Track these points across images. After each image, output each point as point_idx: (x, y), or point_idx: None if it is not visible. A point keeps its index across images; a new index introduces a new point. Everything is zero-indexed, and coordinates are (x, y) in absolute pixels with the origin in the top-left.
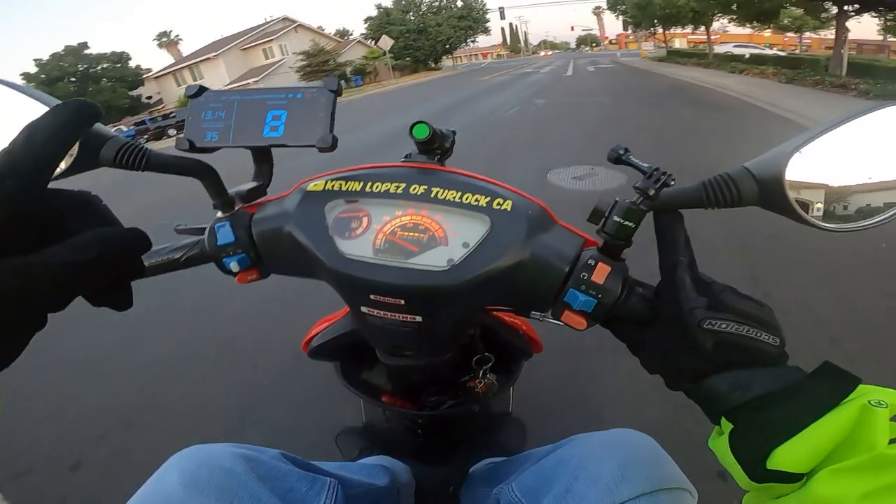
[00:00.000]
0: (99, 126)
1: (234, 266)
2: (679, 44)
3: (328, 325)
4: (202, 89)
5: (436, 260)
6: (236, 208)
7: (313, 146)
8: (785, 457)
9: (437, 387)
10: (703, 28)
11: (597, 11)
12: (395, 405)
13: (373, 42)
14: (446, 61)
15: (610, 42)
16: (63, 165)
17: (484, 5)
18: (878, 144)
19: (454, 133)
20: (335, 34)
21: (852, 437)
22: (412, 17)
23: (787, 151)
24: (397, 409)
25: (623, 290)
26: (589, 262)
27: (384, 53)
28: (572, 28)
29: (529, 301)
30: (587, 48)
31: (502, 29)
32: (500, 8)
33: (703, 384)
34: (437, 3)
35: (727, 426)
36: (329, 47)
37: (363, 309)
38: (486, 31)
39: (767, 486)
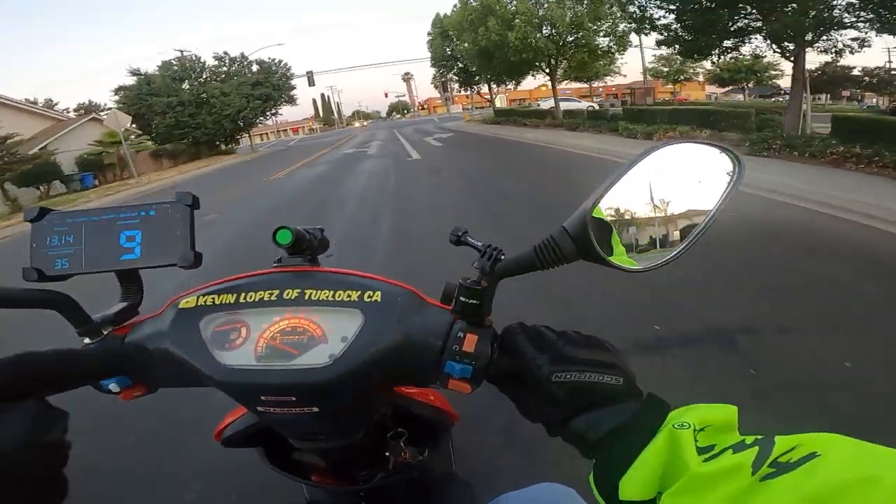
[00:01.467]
0: None
1: (113, 387)
2: (499, 102)
3: (242, 415)
4: (43, 211)
5: (318, 358)
6: (105, 333)
7: (174, 265)
8: (628, 487)
9: (366, 460)
10: (512, 85)
11: (406, 77)
12: (325, 483)
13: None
14: (245, 140)
15: (421, 107)
16: None
17: (288, 69)
18: (663, 182)
19: (322, 230)
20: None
21: (672, 460)
22: (187, 87)
23: (588, 206)
24: (333, 487)
25: (493, 353)
26: (458, 334)
27: (125, 137)
28: (386, 95)
29: (415, 377)
30: (398, 115)
31: (314, 100)
32: (308, 72)
33: (568, 427)
34: (224, 69)
35: (591, 463)
36: (18, 137)
37: (259, 408)
38: (292, 100)
39: None
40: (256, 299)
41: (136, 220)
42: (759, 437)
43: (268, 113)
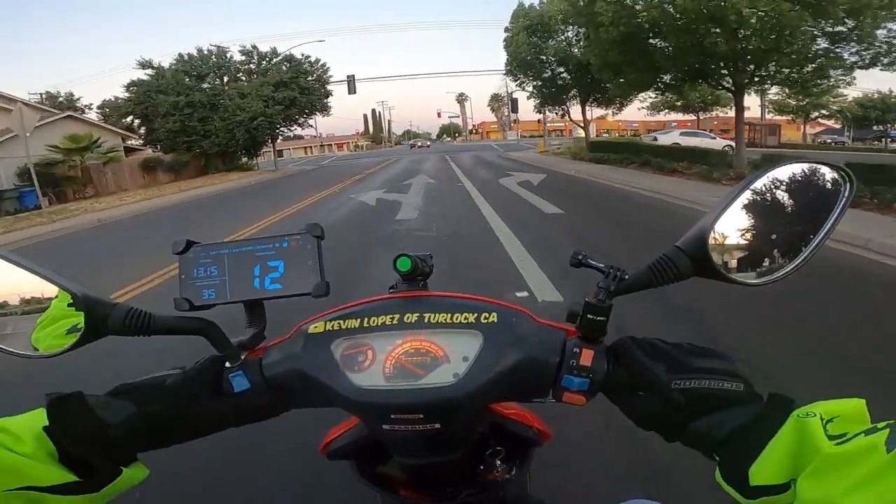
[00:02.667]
0: (100, 297)
1: None
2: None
3: (346, 430)
4: (189, 244)
5: (443, 377)
6: (243, 357)
7: (309, 294)
8: (759, 473)
9: (453, 478)
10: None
11: (461, 98)
12: (412, 498)
13: (135, 122)
14: (274, 153)
15: (474, 131)
16: (70, 342)
17: (325, 71)
18: (773, 204)
19: (431, 257)
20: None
21: (802, 447)
22: (208, 86)
23: (706, 226)
24: (415, 501)
25: (609, 365)
26: (574, 350)
27: (89, 145)
28: (439, 114)
29: (530, 391)
30: (448, 138)
31: (364, 116)
32: (348, 77)
33: (688, 431)
34: (252, 65)
35: (716, 460)
36: None
37: (385, 426)
38: (325, 109)
39: (767, 501)
40: (379, 323)
41: (272, 252)
42: (891, 421)
43: (294, 122)
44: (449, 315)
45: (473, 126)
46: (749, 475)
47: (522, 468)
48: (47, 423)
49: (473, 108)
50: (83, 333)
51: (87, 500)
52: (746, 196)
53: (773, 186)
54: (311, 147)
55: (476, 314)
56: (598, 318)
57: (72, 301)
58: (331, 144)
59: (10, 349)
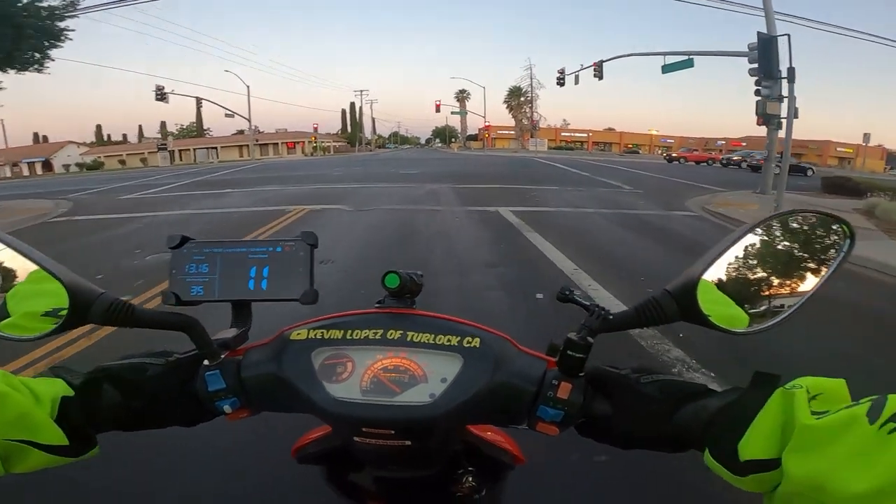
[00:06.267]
0: (87, 284)
1: (226, 408)
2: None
3: (319, 436)
4: (184, 239)
5: (419, 396)
6: (222, 356)
7: (296, 300)
8: (748, 447)
9: (423, 494)
10: None
11: (461, 95)
12: None
13: None
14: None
15: (473, 137)
16: (50, 326)
17: None
18: (768, 253)
19: (421, 275)
20: None
21: (789, 420)
22: None
23: (696, 272)
24: None
25: (585, 399)
26: (553, 381)
27: None
28: (438, 107)
29: (505, 418)
30: (440, 143)
31: (343, 111)
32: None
33: (672, 423)
34: None
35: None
36: None
37: (356, 438)
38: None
39: (757, 478)
40: (362, 337)
41: (265, 255)
42: (873, 397)
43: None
44: (432, 336)
45: (486, 124)
46: (738, 451)
47: (495, 489)
48: (69, 394)
49: (488, 106)
50: (66, 319)
51: (60, 461)
52: (743, 243)
53: (770, 235)
54: (245, 146)
55: (459, 337)
56: (578, 355)
57: (52, 284)
58: (276, 143)
59: None
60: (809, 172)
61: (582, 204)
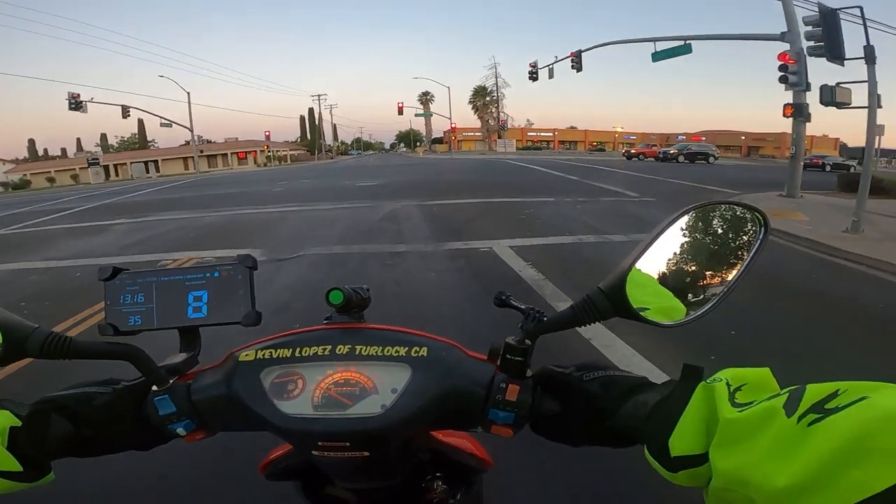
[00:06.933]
0: (18, 319)
1: (180, 431)
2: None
3: (286, 451)
4: (116, 271)
5: (370, 407)
6: (171, 381)
7: (238, 323)
8: (677, 443)
9: (398, 502)
10: None
11: (425, 98)
12: None
13: None
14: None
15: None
16: None
17: None
18: (693, 244)
19: (368, 289)
20: None
21: (712, 414)
22: None
23: (624, 268)
24: None
25: (534, 400)
26: (500, 385)
27: None
28: (401, 109)
29: (459, 422)
30: (405, 148)
31: (301, 117)
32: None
33: (618, 416)
34: None
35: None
36: None
37: (314, 452)
38: None
39: (689, 473)
40: (311, 354)
41: (202, 281)
42: (794, 386)
43: None
44: (380, 348)
45: (452, 126)
46: (669, 446)
47: (469, 494)
48: (16, 424)
49: (453, 107)
50: (1, 355)
51: (16, 486)
52: (668, 235)
53: (693, 227)
54: (189, 158)
55: (406, 348)
56: (517, 358)
57: None
58: (225, 154)
59: None
60: (852, 169)
61: (601, 226)
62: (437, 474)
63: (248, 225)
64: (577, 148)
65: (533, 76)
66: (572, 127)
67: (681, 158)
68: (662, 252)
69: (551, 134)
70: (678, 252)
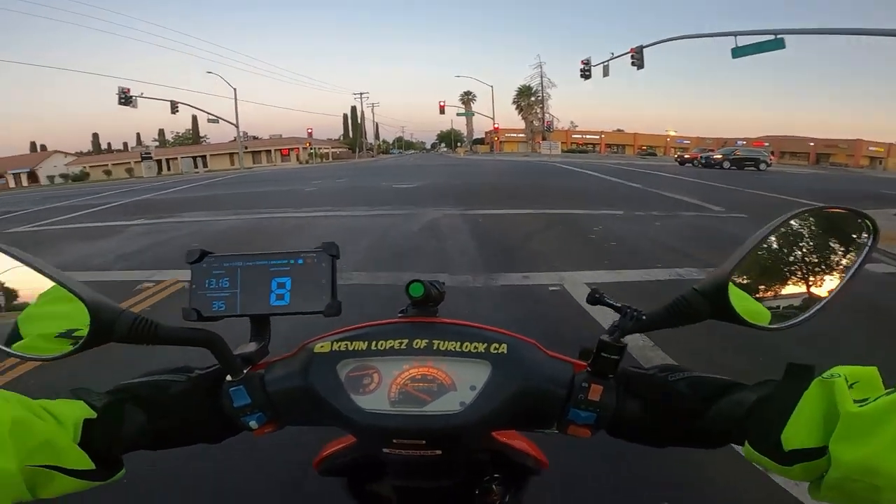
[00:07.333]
0: (108, 302)
1: (253, 424)
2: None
3: (342, 447)
4: (203, 254)
5: (449, 404)
6: (245, 371)
7: (321, 312)
8: (791, 437)
9: (446, 501)
10: None
11: (466, 97)
12: None
13: None
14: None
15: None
16: (70, 346)
17: None
18: (795, 249)
19: (443, 283)
20: None
21: (831, 408)
22: None
23: (725, 271)
24: None
25: (619, 401)
26: (583, 384)
27: None
28: (442, 108)
29: (536, 422)
30: (445, 147)
31: (344, 115)
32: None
33: (706, 418)
34: None
35: (745, 438)
36: None
37: (385, 449)
38: None
39: (804, 467)
40: (387, 347)
41: (287, 268)
42: None
43: None
44: (458, 343)
45: (496, 126)
46: (782, 441)
47: (518, 496)
48: (91, 416)
49: (496, 107)
50: (87, 339)
51: (87, 485)
52: (769, 241)
53: (796, 232)
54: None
55: (486, 344)
56: (612, 357)
57: (66, 304)
58: (269, 150)
59: (8, 350)
60: None
61: (701, 254)
62: (496, 475)
63: (263, 233)
64: (625, 152)
65: (585, 74)
66: (619, 130)
67: (726, 164)
68: (762, 257)
69: (597, 136)
70: (778, 258)
